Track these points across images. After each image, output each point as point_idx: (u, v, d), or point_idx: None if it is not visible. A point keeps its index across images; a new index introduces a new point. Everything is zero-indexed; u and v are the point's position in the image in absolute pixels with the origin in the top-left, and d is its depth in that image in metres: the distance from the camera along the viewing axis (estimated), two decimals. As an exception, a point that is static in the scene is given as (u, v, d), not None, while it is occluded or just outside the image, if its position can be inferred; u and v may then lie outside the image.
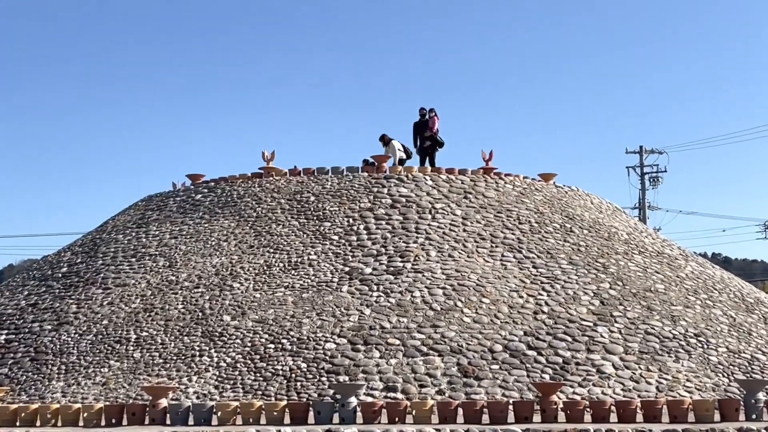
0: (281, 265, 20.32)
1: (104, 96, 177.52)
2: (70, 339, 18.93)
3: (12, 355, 19.01)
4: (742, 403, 14.61)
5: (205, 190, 24.36)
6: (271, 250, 20.93)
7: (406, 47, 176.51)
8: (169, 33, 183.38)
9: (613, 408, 14.51)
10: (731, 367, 17.87)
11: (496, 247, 20.94)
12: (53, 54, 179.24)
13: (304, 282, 19.58)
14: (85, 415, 14.72)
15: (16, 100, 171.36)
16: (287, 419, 14.29)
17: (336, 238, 21.08)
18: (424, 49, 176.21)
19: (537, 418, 14.24)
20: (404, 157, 25.01)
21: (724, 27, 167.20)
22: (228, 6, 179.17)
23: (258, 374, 16.95)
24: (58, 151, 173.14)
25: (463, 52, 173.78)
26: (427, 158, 25.01)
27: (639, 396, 16.04)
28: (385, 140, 25.31)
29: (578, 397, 15.53)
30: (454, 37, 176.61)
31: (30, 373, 18.15)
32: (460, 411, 14.31)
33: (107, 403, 15.48)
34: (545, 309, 18.68)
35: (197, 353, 17.71)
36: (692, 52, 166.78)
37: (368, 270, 19.80)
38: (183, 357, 17.69)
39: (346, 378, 16.34)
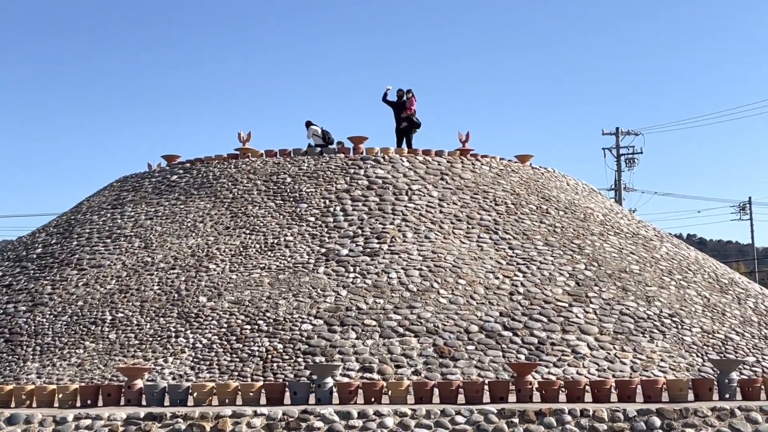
0: (257, 246, 20.30)
1: (80, 74, 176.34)
2: (45, 320, 18.86)
3: (-14, 336, 18.94)
4: (715, 382, 14.73)
5: (181, 171, 24.30)
6: (248, 232, 20.90)
7: (384, 26, 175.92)
8: (149, 12, 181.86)
9: (587, 388, 14.61)
10: (705, 347, 18.03)
11: (473, 228, 21.00)
12: (32, 30, 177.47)
13: (280, 263, 19.59)
14: (61, 396, 14.68)
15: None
16: (263, 400, 14.29)
17: (312, 219, 21.09)
18: (400, 27, 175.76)
19: (512, 398, 14.31)
20: (321, 142, 24.78)
21: (699, 13, 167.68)
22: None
23: (234, 355, 16.96)
24: (32, 130, 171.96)
25: (441, 31, 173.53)
26: (404, 139, 24.97)
27: (613, 376, 16.17)
28: (306, 124, 25.37)
29: (553, 377, 15.63)
30: (432, 15, 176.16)
31: (4, 354, 18.09)
32: (436, 391, 14.37)
33: (82, 384, 15.45)
34: (521, 290, 18.77)
35: (173, 334, 17.70)
36: (668, 36, 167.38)
37: (344, 251, 19.82)
38: (159, 338, 17.67)
39: (323, 359, 16.39)
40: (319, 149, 24.21)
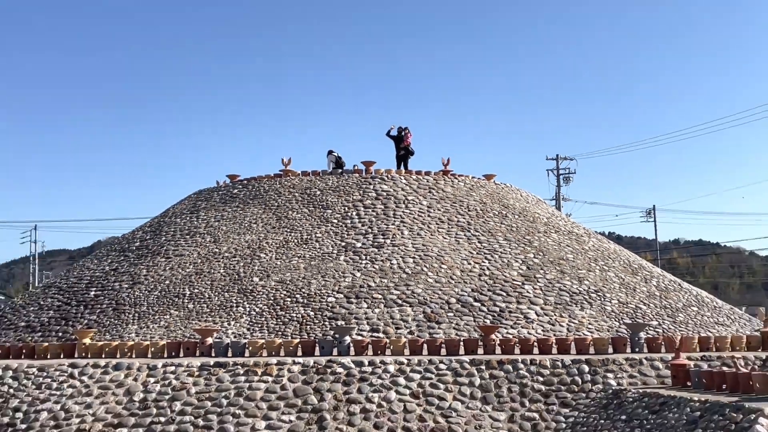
0: (295, 240, 20.36)
1: (163, 109, 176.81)
2: (141, 294, 18.94)
3: (99, 306, 19.02)
4: (628, 340, 14.81)
5: (240, 186, 24.33)
6: (288, 230, 20.96)
7: (387, 76, 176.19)
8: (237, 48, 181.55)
9: (535, 344, 14.69)
10: (621, 314, 18.07)
11: (452, 228, 21.03)
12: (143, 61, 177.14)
13: (311, 253, 19.64)
14: (153, 349, 14.82)
15: (120, 110, 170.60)
16: (299, 352, 14.40)
17: (335, 221, 21.13)
18: (402, 78, 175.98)
19: (480, 351, 14.41)
20: (334, 166, 24.52)
21: (615, 60, 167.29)
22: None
23: (278, 320, 17.02)
24: (133, 154, 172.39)
25: (434, 81, 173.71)
26: (402, 163, 25.01)
27: (554, 335, 16.21)
28: (327, 153, 24.99)
29: (510, 336, 15.67)
30: (428, 66, 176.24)
31: (112, 319, 18.17)
32: (425, 346, 14.46)
33: (169, 341, 15.54)
34: (486, 272, 18.80)
35: (234, 305, 17.76)
36: (599, 78, 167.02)
37: (358, 244, 19.87)
38: (224, 307, 17.73)
39: (343, 322, 16.43)
40: (339, 171, 24.24)
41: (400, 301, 17.33)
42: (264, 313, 17.29)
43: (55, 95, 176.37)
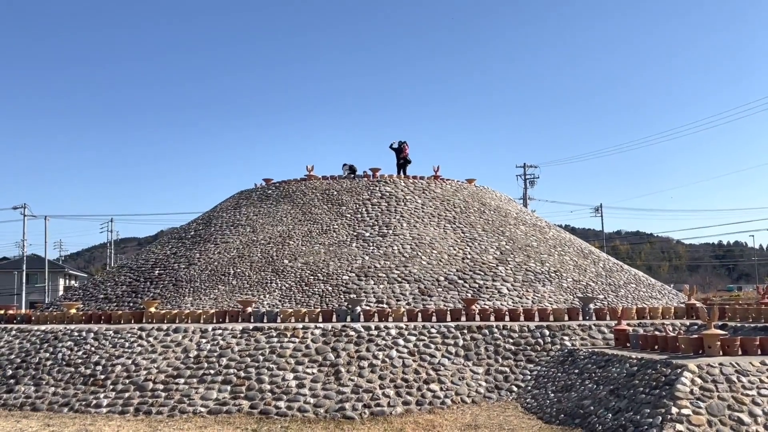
0: (317, 230, 20.36)
1: (218, 126, 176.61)
2: (195, 273, 18.97)
3: (162, 282, 19.05)
4: (580, 310, 14.79)
5: (273, 188, 24.31)
6: (311, 223, 20.96)
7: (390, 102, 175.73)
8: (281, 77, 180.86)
9: (507, 313, 14.68)
10: (575, 290, 18.04)
11: (441, 221, 21.01)
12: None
13: (330, 241, 19.64)
14: (204, 316, 14.84)
15: (176, 122, 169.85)
16: (320, 319, 14.41)
17: (348, 215, 21.12)
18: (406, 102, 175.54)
19: (463, 318, 14.41)
20: (348, 172, 24.23)
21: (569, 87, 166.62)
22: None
23: (304, 294, 17.04)
24: (189, 161, 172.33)
25: (433, 97, 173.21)
26: (402, 170, 24.98)
27: (522, 306, 16.20)
28: (343, 165, 24.76)
29: (487, 307, 15.68)
30: (428, 85, 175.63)
31: (172, 293, 18.21)
32: (420, 314, 14.45)
33: (216, 310, 15.57)
34: (468, 256, 18.79)
35: (269, 281, 17.79)
36: (562, 98, 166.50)
37: (367, 234, 19.86)
38: (260, 284, 17.76)
39: (355, 296, 16.45)
40: (351, 176, 24.20)
41: (399, 279, 17.34)
42: (292, 288, 17.31)
43: (137, 117, 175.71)
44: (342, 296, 16.60)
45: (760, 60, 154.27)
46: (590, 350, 12.10)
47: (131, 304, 18.26)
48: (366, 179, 23.58)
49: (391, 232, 19.91)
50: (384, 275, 17.46)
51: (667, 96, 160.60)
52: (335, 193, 22.73)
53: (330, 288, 17.07)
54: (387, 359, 12.39)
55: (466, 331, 13.18)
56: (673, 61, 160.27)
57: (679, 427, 8.49)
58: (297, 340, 12.87)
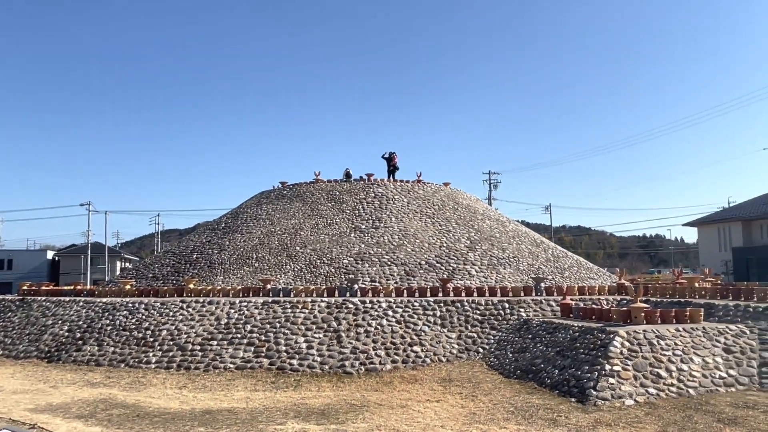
0: (323, 223, 20.28)
1: (247, 130, 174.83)
2: (225, 257, 18.85)
3: (199, 264, 18.92)
4: (533, 288, 14.80)
5: (288, 189, 24.20)
6: (318, 217, 20.87)
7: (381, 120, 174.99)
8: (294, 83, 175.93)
9: (475, 290, 14.68)
10: (529, 271, 18.05)
11: (423, 216, 20.97)
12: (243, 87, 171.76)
13: (333, 232, 19.57)
14: (232, 292, 14.75)
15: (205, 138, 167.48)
16: (325, 294, 14.35)
17: (348, 211, 21.04)
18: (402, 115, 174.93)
19: (440, 294, 14.39)
20: (345, 177, 24.01)
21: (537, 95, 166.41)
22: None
23: (312, 274, 16.97)
24: (221, 165, 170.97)
25: (421, 109, 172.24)
26: (391, 175, 24.91)
27: (487, 285, 16.19)
28: (343, 171, 24.62)
29: (459, 285, 15.66)
30: (415, 101, 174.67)
31: (206, 273, 18.09)
32: (405, 291, 14.42)
33: (242, 286, 15.49)
34: (445, 245, 18.77)
35: (284, 264, 17.70)
36: (521, 111, 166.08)
37: (363, 227, 19.79)
38: (277, 266, 17.67)
39: (353, 276, 16.42)
40: (351, 179, 24.14)
41: (389, 263, 17.30)
42: (303, 270, 17.25)
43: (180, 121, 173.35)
44: (343, 276, 16.55)
45: (669, 86, 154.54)
46: (541, 320, 12.15)
47: (174, 282, 18.14)
48: (362, 182, 23.52)
49: (382, 225, 19.87)
50: (377, 260, 17.43)
51: (605, 114, 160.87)
52: (337, 193, 22.66)
53: (333, 270, 17.02)
54: (379, 327, 12.37)
55: (442, 305, 13.19)
56: (607, 78, 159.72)
57: (611, 380, 8.55)
58: (307, 311, 12.83)
